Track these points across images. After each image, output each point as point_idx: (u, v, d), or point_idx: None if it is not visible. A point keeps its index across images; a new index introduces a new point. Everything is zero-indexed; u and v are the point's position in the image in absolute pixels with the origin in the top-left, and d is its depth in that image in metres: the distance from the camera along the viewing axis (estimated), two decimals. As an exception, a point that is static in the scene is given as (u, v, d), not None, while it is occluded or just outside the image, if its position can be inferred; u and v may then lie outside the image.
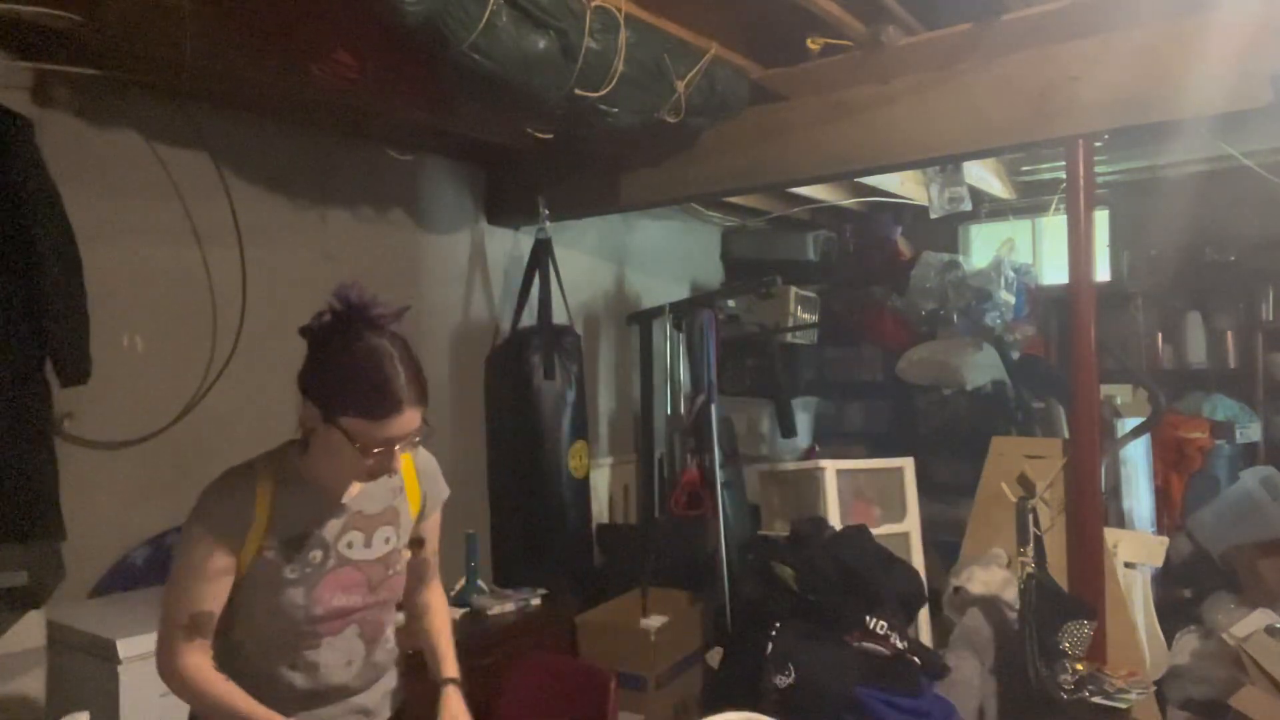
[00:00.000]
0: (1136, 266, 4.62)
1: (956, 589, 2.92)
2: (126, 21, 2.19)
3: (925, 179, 4.10)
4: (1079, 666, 2.62)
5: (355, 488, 1.57)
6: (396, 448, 1.46)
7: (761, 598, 2.83)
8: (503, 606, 2.76)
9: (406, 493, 1.66)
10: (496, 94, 2.33)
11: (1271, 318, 4.35)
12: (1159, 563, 3.22)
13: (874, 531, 3.11)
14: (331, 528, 1.54)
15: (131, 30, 2.23)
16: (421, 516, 1.70)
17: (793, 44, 2.69)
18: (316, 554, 1.52)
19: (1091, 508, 2.78)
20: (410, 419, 1.45)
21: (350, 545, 1.55)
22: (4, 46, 2.37)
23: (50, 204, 2.27)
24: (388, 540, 1.60)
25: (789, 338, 4.78)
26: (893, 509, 3.75)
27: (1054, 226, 4.88)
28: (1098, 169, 3.92)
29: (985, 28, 2.62)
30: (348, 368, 1.46)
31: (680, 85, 2.64)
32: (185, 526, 1.48)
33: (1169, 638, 3.25)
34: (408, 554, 1.67)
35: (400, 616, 1.71)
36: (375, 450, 1.44)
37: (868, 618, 2.60)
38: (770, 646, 2.56)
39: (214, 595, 1.46)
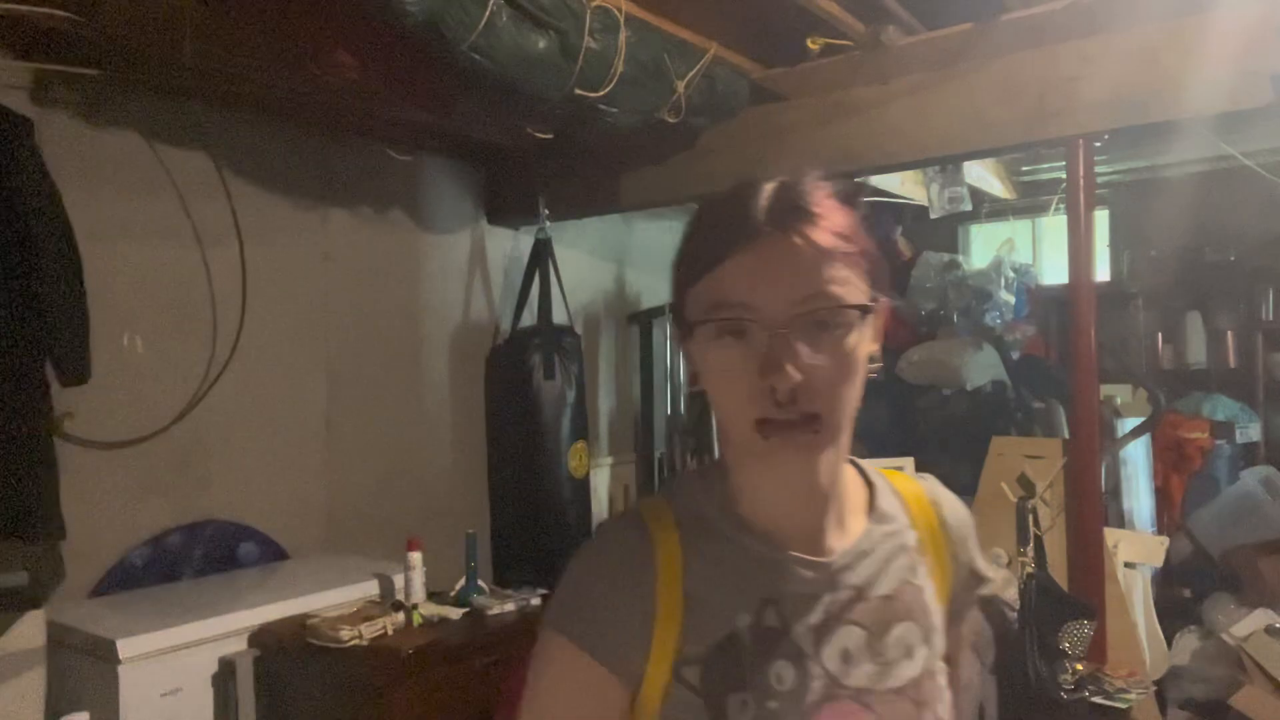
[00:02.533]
0: (1136, 266, 4.62)
1: (956, 589, 2.92)
2: (126, 21, 2.20)
3: (925, 179, 4.10)
4: (1079, 666, 2.62)
5: (840, 535, 0.87)
6: (783, 332, 0.77)
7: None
8: (503, 606, 2.75)
9: (926, 557, 0.92)
10: (496, 94, 2.33)
11: (1271, 318, 4.35)
12: (1159, 563, 3.22)
13: (874, 531, 3.10)
14: (802, 613, 0.83)
15: (131, 30, 2.23)
16: (954, 609, 0.93)
17: (793, 44, 2.69)
18: (782, 672, 0.80)
19: (1091, 508, 2.77)
20: (785, 254, 0.78)
21: (847, 656, 0.83)
22: (4, 46, 2.37)
23: (50, 204, 2.27)
24: (910, 651, 0.86)
25: (789, 338, 4.76)
26: (893, 509, 3.74)
27: (1054, 226, 4.88)
28: (1098, 169, 3.92)
29: (985, 28, 2.62)
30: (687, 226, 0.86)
31: (680, 85, 2.64)
32: (542, 629, 0.85)
33: (1169, 638, 3.24)
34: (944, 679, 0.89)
35: None
36: (732, 335, 0.79)
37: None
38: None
39: None
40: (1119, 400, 3.91)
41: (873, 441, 4.81)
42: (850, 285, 0.80)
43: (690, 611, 0.81)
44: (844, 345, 0.80)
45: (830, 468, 0.86)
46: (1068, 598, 2.74)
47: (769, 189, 0.83)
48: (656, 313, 4.15)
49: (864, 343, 0.82)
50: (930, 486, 0.98)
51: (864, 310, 0.81)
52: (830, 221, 0.81)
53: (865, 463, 0.97)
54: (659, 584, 0.82)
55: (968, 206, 4.07)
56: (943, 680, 0.88)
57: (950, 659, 0.92)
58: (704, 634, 0.81)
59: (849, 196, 0.86)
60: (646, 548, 0.84)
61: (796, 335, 0.78)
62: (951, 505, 0.98)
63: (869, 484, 0.94)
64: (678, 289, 0.85)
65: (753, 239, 0.79)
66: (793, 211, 0.80)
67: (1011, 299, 4.54)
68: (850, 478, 0.93)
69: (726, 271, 0.80)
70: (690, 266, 0.83)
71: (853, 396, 0.84)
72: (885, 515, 0.92)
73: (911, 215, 4.81)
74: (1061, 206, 3.66)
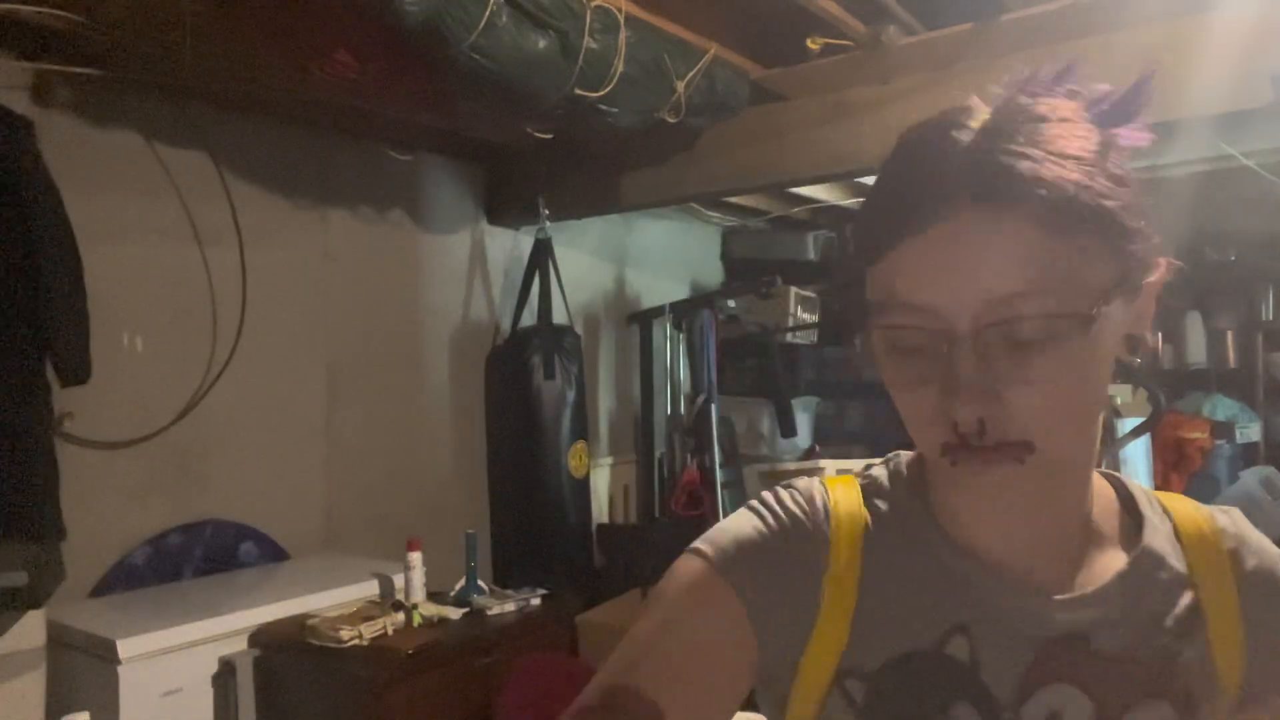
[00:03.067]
0: (1136, 266, 4.62)
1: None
2: (126, 21, 2.19)
3: (925, 179, 4.10)
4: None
5: (1081, 573, 0.69)
6: (966, 349, 0.58)
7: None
8: (503, 606, 2.76)
9: (1210, 619, 0.69)
10: (496, 94, 2.33)
11: (1271, 318, 4.35)
12: (1159, 563, 3.22)
13: (874, 531, 3.10)
14: (1003, 652, 0.66)
15: (131, 30, 2.23)
16: (1246, 695, 0.69)
17: (793, 44, 2.69)
18: (963, 716, 0.65)
19: (1091, 508, 2.78)
20: (979, 237, 0.57)
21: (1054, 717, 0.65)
22: (4, 46, 2.37)
23: (50, 204, 2.27)
24: None
25: (789, 338, 4.77)
26: (893, 509, 3.74)
27: (1054, 226, 4.88)
28: (1098, 169, 3.91)
29: (985, 28, 2.62)
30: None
31: (680, 85, 2.64)
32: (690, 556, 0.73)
33: (1169, 638, 3.24)
34: None
35: None
36: (904, 333, 0.62)
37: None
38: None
39: (685, 679, 0.65)
40: (1119, 400, 3.91)
41: (873, 441, 4.83)
42: (1075, 279, 0.58)
43: (861, 614, 0.67)
44: (1062, 360, 0.58)
45: (1055, 499, 0.67)
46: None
47: (976, 129, 0.60)
48: (656, 313, 4.15)
49: (1101, 346, 0.61)
50: (1233, 523, 0.76)
51: (1086, 321, 0.58)
52: (1061, 176, 0.56)
53: (1143, 488, 0.76)
54: (831, 570, 0.69)
55: (968, 206, 4.07)
56: None
57: None
58: (875, 646, 0.67)
59: (1110, 119, 0.62)
60: (825, 526, 0.70)
61: (987, 351, 0.58)
62: (1261, 553, 0.74)
63: (1139, 515, 0.73)
64: (854, 260, 0.65)
65: (929, 220, 0.58)
66: (1002, 173, 0.57)
67: (1011, 299, 4.54)
68: (1106, 503, 0.73)
69: (901, 258, 0.60)
70: (865, 238, 0.63)
71: (1085, 416, 0.64)
72: (1154, 556, 0.70)
73: (911, 215, 4.81)
74: (1061, 206, 3.66)
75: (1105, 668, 0.65)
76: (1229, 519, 0.76)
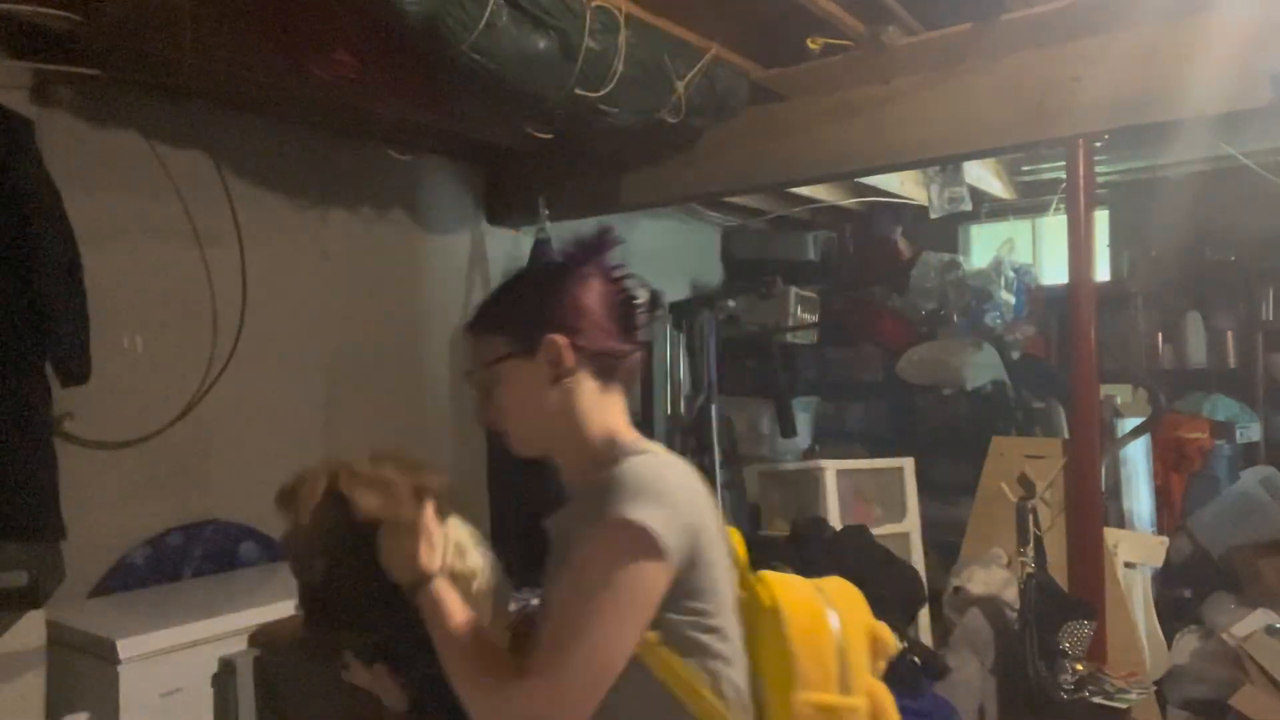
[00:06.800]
0: (1136, 266, 4.62)
1: (956, 589, 2.92)
2: (126, 21, 2.20)
3: (925, 179, 4.10)
4: (1079, 666, 2.62)
5: None
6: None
7: (762, 598, 2.83)
8: (503, 606, 2.76)
9: None
10: (496, 94, 2.33)
11: (1271, 318, 4.35)
12: (1159, 563, 3.22)
13: (874, 531, 3.10)
14: None
15: (131, 30, 2.23)
16: None
17: (793, 44, 2.69)
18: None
19: (1091, 508, 2.78)
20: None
21: None
22: (4, 46, 2.37)
23: (50, 204, 2.27)
24: None
25: (789, 338, 4.77)
26: (893, 509, 3.75)
27: (1054, 226, 4.88)
28: (1098, 169, 3.92)
29: (985, 28, 2.62)
30: None
31: (680, 85, 2.64)
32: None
33: (1169, 638, 3.24)
34: None
35: None
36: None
37: (868, 618, 2.60)
38: (770, 646, 2.56)
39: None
40: (1119, 400, 3.91)
41: (873, 441, 4.83)
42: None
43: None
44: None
45: None
46: (1067, 598, 2.74)
47: None
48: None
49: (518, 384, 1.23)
50: None
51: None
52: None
53: None
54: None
55: (968, 206, 4.07)
56: None
57: None
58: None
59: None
60: None
61: None
62: None
63: None
64: None
65: None
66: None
67: (1011, 299, 4.54)
68: None
69: None
70: None
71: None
72: None
73: (911, 215, 4.81)
74: (1061, 206, 3.66)
75: None
76: None
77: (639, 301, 1.23)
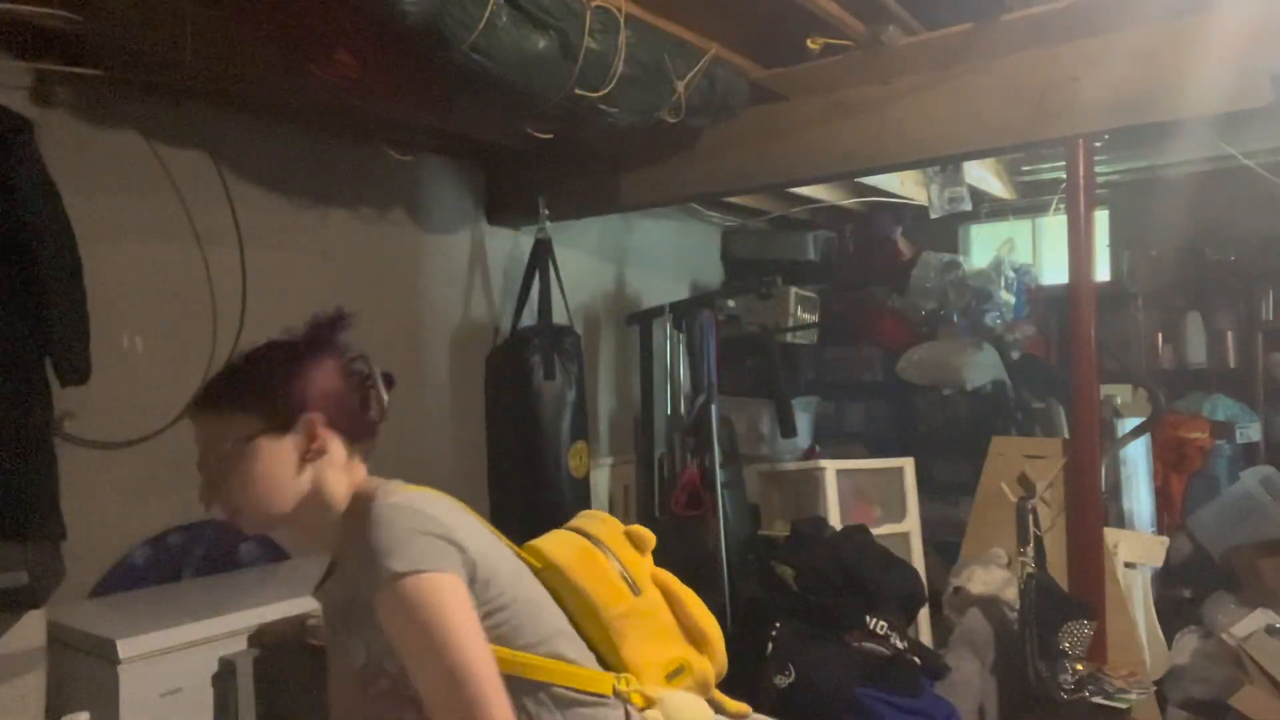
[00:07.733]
0: (1136, 266, 4.62)
1: (956, 589, 2.92)
2: (126, 21, 2.20)
3: (925, 179, 4.10)
4: (1079, 666, 2.62)
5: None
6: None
7: (761, 598, 2.83)
8: (503, 606, 2.77)
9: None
10: (496, 94, 2.33)
11: (1271, 318, 4.35)
12: (1159, 563, 3.22)
13: (874, 531, 3.10)
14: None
15: (131, 30, 2.24)
16: None
17: (793, 44, 2.69)
18: None
19: (1091, 508, 2.78)
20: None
21: None
22: (4, 46, 2.37)
23: (50, 204, 2.27)
24: None
25: (789, 338, 4.77)
26: (893, 509, 3.75)
27: (1054, 226, 4.88)
28: (1098, 169, 3.92)
29: (985, 28, 2.62)
30: None
31: (680, 85, 2.63)
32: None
33: (1169, 638, 3.24)
34: None
35: None
36: None
37: (868, 618, 2.60)
38: (770, 646, 2.56)
39: None
40: (1119, 400, 3.91)
41: (873, 441, 4.83)
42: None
43: None
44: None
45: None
46: (1068, 598, 2.74)
47: None
48: (656, 313, 4.15)
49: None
50: None
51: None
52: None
53: None
54: None
55: (968, 206, 4.07)
56: None
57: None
58: None
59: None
60: None
61: None
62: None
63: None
64: None
65: None
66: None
67: (1011, 299, 4.54)
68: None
69: None
70: None
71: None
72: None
73: (911, 215, 4.81)
74: (1061, 206, 3.67)
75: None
76: None
77: (373, 381, 1.35)
